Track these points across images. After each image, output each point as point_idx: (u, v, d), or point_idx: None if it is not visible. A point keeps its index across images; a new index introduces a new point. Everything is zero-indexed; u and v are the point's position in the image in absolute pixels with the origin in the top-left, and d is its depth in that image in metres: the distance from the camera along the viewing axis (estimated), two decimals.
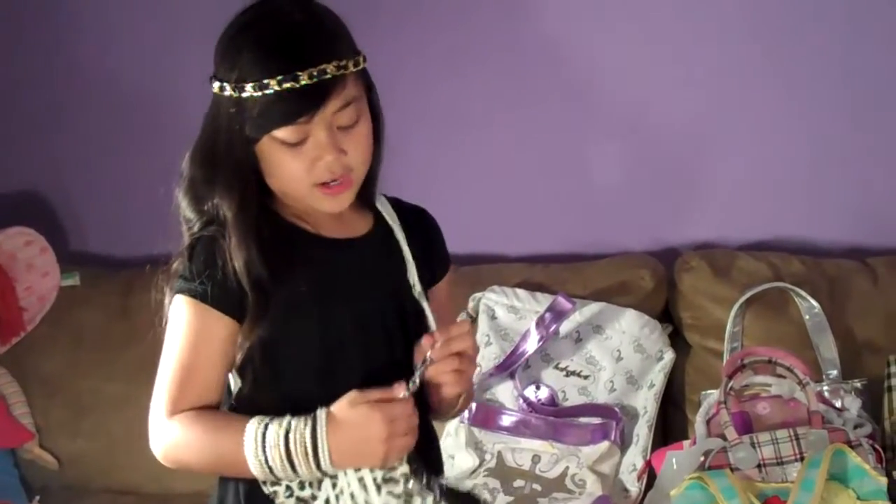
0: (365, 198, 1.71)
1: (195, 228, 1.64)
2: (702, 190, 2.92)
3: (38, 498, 2.74)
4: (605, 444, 2.62)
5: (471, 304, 2.80)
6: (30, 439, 2.90)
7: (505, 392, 2.72)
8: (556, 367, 2.74)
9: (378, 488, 1.61)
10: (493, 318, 2.77)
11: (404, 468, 1.62)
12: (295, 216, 1.67)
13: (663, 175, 2.93)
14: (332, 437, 1.54)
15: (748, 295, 2.66)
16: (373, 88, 1.67)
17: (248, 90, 1.55)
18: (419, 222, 1.78)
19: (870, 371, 2.59)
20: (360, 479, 1.60)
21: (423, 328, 1.69)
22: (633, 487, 2.58)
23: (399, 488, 1.62)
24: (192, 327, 1.60)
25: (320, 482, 1.59)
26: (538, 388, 2.72)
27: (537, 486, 2.60)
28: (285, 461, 1.53)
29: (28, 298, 2.97)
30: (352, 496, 1.60)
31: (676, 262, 2.82)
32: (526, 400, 2.70)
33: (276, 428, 1.53)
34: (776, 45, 2.82)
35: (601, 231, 2.98)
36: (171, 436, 1.59)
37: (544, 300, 2.76)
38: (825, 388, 2.52)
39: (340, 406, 1.55)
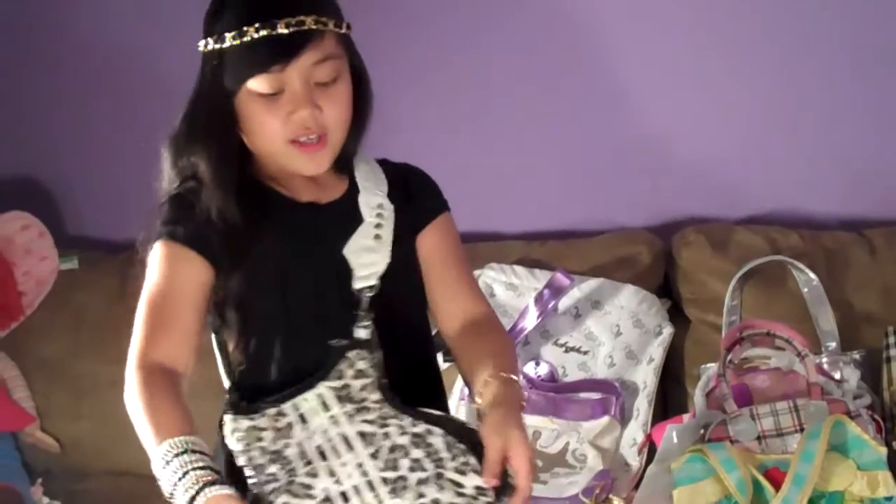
0: (343, 164, 1.71)
1: (174, 185, 1.68)
2: (698, 165, 2.92)
3: (40, 481, 2.74)
4: (605, 419, 2.62)
5: None
6: (31, 423, 2.91)
7: None
8: (556, 344, 2.75)
9: (350, 418, 1.62)
10: (491, 295, 2.77)
11: (376, 395, 1.64)
12: (272, 179, 1.68)
13: (660, 150, 2.93)
14: None
15: (746, 268, 2.66)
16: (357, 56, 1.67)
17: (228, 40, 1.59)
18: (401, 177, 1.78)
19: (868, 342, 2.60)
20: (332, 417, 1.62)
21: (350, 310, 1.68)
22: (634, 461, 2.59)
23: (372, 415, 1.63)
24: (165, 267, 1.63)
25: (290, 429, 1.60)
26: (538, 364, 2.72)
27: (538, 462, 2.60)
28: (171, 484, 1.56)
29: (26, 283, 2.97)
30: (324, 432, 1.62)
31: (674, 237, 2.83)
32: (526, 376, 2.70)
33: (178, 464, 1.55)
34: (771, 16, 2.81)
35: (599, 207, 2.98)
36: (130, 388, 1.64)
37: (543, 277, 2.77)
38: (824, 359, 2.53)
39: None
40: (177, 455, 1.55)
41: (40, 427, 2.94)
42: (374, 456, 1.60)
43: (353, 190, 1.74)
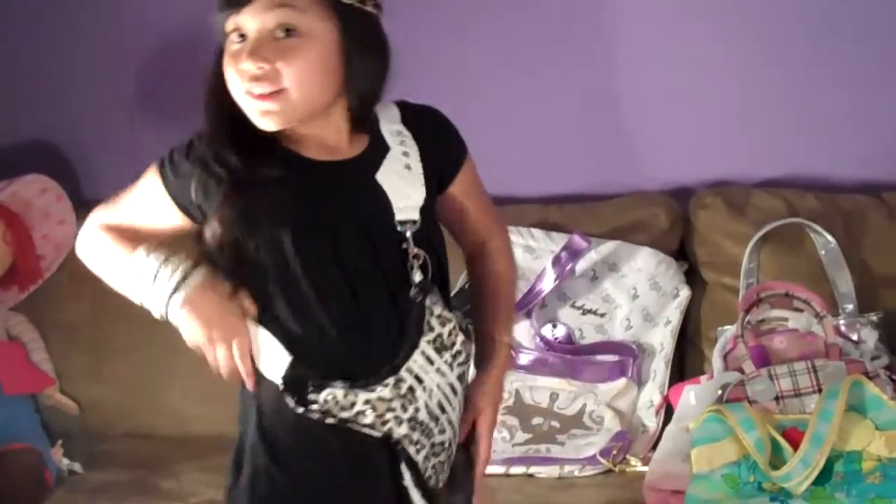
0: (356, 125, 1.67)
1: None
2: (715, 127, 2.91)
3: (60, 442, 2.76)
4: (622, 381, 2.63)
5: None
6: (50, 384, 2.92)
7: (522, 331, 2.73)
8: (573, 306, 2.75)
9: (450, 366, 1.67)
10: None
11: (461, 337, 1.68)
12: (289, 141, 1.65)
13: (676, 113, 2.92)
14: (198, 290, 1.62)
15: (763, 231, 2.66)
16: (354, 26, 1.61)
17: None
18: (426, 121, 1.74)
19: (886, 304, 2.60)
20: (438, 371, 1.65)
21: (399, 251, 1.66)
22: (651, 423, 2.60)
23: (462, 357, 1.69)
24: (149, 193, 1.70)
25: (412, 392, 1.63)
26: (555, 326, 2.73)
27: (555, 423, 2.62)
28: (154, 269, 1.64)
29: (45, 246, 2.98)
30: (438, 387, 1.66)
31: (691, 199, 2.83)
32: (543, 339, 2.71)
33: (154, 258, 1.64)
34: None
35: (615, 171, 2.98)
36: (89, 237, 1.75)
37: (560, 240, 2.77)
38: (842, 321, 2.53)
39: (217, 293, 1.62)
40: (151, 253, 1.65)
41: (59, 389, 2.96)
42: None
43: (372, 147, 1.70)
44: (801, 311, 2.43)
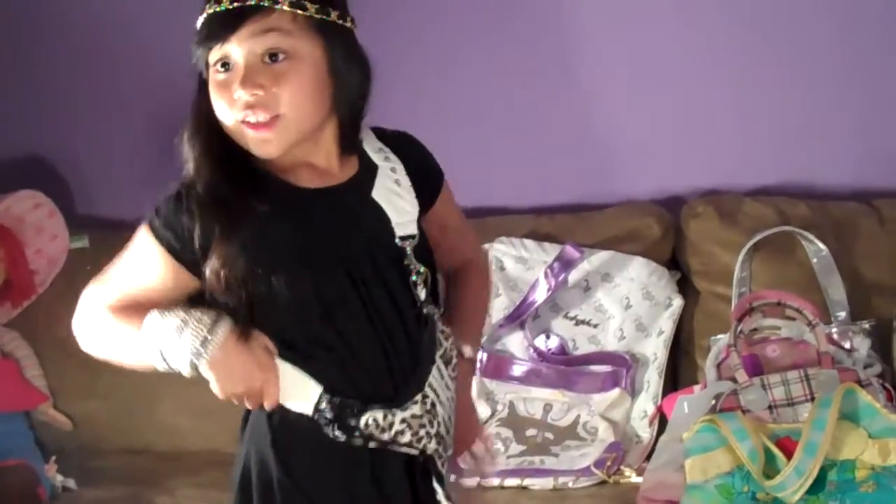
0: (345, 146, 1.67)
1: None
2: (706, 136, 2.92)
3: (53, 458, 2.75)
4: (615, 392, 2.64)
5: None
6: (44, 401, 2.92)
7: (515, 342, 2.73)
8: (566, 317, 2.76)
9: (452, 379, 1.69)
10: (501, 269, 2.78)
11: (455, 351, 1.72)
12: (278, 170, 1.63)
13: (667, 123, 2.93)
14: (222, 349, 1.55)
15: (755, 239, 2.67)
16: (340, 47, 1.61)
17: (198, 21, 1.59)
18: (404, 143, 1.74)
19: (878, 312, 2.60)
20: (446, 385, 1.67)
21: (405, 269, 1.66)
22: (645, 433, 2.60)
23: (456, 371, 1.71)
24: (143, 257, 1.61)
25: (435, 408, 1.64)
26: (548, 337, 2.73)
27: (549, 435, 2.62)
28: (177, 327, 1.54)
29: (38, 261, 2.98)
30: (449, 399, 1.68)
31: (683, 208, 2.83)
32: (536, 349, 2.71)
33: (174, 317, 1.55)
34: None
35: (607, 181, 2.98)
36: (90, 312, 1.66)
37: (552, 250, 2.77)
38: (834, 329, 2.53)
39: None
40: (167, 314, 1.56)
41: (53, 405, 2.96)
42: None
43: (363, 169, 1.69)
44: (793, 319, 2.43)
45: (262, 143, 1.58)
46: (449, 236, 1.78)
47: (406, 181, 1.70)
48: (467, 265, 1.85)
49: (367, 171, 1.68)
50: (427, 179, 1.74)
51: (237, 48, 1.56)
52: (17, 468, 2.66)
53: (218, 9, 1.56)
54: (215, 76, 1.58)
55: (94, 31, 3.14)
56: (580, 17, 2.92)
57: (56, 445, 2.89)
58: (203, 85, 1.61)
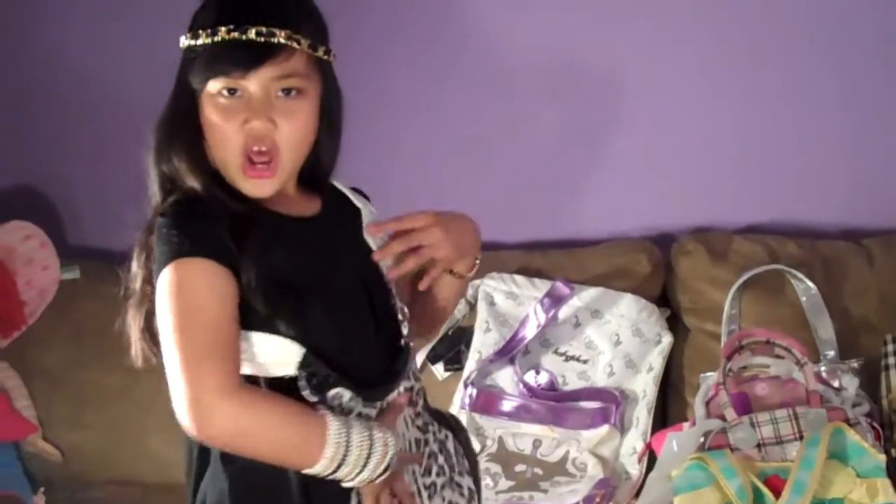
0: (313, 184, 1.70)
1: (163, 198, 1.62)
2: (696, 174, 2.93)
3: (42, 490, 2.75)
4: (605, 428, 2.64)
5: (469, 291, 2.81)
6: (33, 432, 2.91)
7: (505, 378, 2.74)
8: (556, 352, 2.76)
9: (412, 422, 1.71)
10: (491, 304, 2.79)
11: (422, 400, 1.75)
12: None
13: (657, 160, 2.94)
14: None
15: (745, 277, 2.68)
16: (332, 87, 1.65)
17: (202, 37, 1.57)
18: (359, 192, 1.79)
19: (867, 351, 2.61)
20: (405, 423, 1.69)
21: (385, 290, 1.71)
22: (634, 470, 2.60)
23: (420, 420, 1.73)
24: (205, 287, 1.51)
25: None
26: (538, 373, 2.73)
27: (538, 471, 2.62)
28: (361, 462, 1.54)
29: (29, 292, 2.97)
30: (403, 435, 1.67)
31: (673, 246, 2.84)
32: (526, 385, 2.71)
33: (359, 429, 1.54)
34: (769, 28, 2.83)
35: (598, 217, 2.99)
36: (234, 414, 1.47)
37: (542, 286, 2.78)
38: (823, 368, 2.54)
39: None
40: (353, 432, 1.54)
41: (42, 436, 2.95)
42: (419, 463, 1.71)
43: (327, 205, 1.72)
44: (782, 357, 2.44)
45: (259, 186, 1.60)
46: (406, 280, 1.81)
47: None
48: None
49: (336, 209, 1.72)
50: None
51: (255, 83, 1.57)
52: (5, 499, 2.66)
53: (239, 37, 1.56)
54: (217, 100, 1.59)
55: (86, 61, 3.14)
56: (572, 56, 2.93)
57: (45, 476, 2.88)
58: (191, 94, 1.60)
